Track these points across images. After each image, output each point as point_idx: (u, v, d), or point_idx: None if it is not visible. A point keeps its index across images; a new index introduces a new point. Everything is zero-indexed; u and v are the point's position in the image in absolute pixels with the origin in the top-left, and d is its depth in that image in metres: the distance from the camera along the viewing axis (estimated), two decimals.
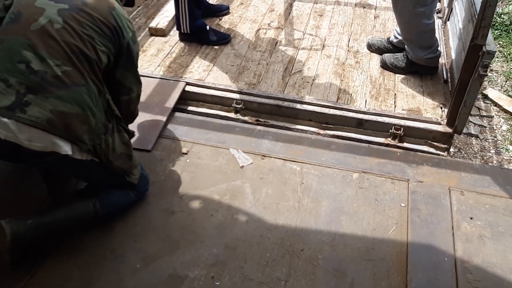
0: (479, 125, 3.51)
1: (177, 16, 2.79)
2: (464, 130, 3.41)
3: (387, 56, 2.68)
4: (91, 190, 1.74)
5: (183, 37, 2.87)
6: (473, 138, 3.42)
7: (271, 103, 2.39)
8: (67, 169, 1.65)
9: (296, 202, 1.88)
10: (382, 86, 2.56)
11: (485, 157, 3.26)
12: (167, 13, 3.03)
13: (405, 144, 2.28)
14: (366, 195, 1.91)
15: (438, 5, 3.34)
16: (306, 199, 1.89)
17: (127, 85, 1.73)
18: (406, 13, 2.40)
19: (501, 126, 3.53)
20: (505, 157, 3.28)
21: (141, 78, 1.82)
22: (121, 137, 1.66)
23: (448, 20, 3.05)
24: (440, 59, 2.68)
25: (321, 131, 2.36)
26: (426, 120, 2.30)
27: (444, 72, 2.67)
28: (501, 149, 3.34)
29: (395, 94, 2.50)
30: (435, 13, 3.22)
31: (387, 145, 2.27)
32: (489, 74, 4.00)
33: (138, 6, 3.25)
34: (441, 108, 2.41)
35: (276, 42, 2.91)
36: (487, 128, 3.53)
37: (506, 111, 3.60)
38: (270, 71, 2.65)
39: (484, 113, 3.62)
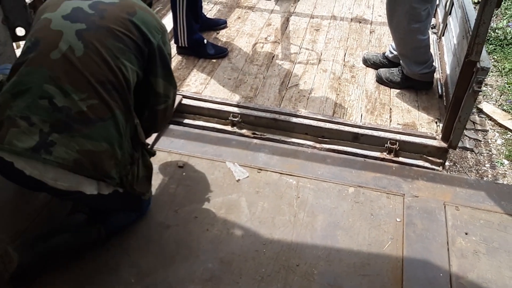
0: (474, 139, 3.53)
1: (175, 29, 2.81)
2: (459, 144, 3.43)
3: (382, 71, 2.71)
4: (97, 216, 1.71)
5: (180, 51, 2.89)
6: (468, 152, 3.44)
7: (268, 117, 2.40)
8: (89, 202, 1.62)
9: (292, 216, 1.88)
10: (377, 100, 2.58)
11: (480, 171, 3.28)
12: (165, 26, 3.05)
13: (401, 159, 2.29)
14: (361, 210, 1.91)
15: (433, 21, 3.39)
16: (302, 214, 1.89)
17: (164, 93, 1.64)
18: (401, 29, 2.44)
19: (495, 140, 3.55)
20: (499, 171, 3.30)
21: None
22: (144, 161, 1.62)
23: (443, 35, 3.09)
24: (435, 74, 2.71)
25: (317, 145, 2.37)
26: (421, 135, 2.31)
27: (439, 87, 2.69)
28: (496, 163, 3.35)
29: (391, 109, 2.52)
30: (430, 29, 3.27)
31: (383, 159, 2.28)
32: (484, 88, 4.04)
33: None
34: (436, 123, 2.43)
35: (273, 56, 2.93)
36: (482, 142, 3.55)
37: (500, 125, 3.63)
38: (267, 84, 2.67)
39: (479, 127, 3.64)
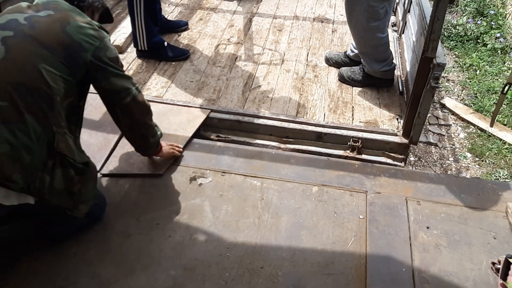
0: (438, 134, 3.60)
1: (133, 33, 2.75)
2: (424, 139, 3.51)
3: (344, 70, 2.73)
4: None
5: (140, 54, 2.83)
6: (433, 146, 3.51)
7: (231, 119, 2.38)
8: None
9: (256, 218, 1.86)
10: (340, 99, 2.59)
11: (444, 165, 3.35)
12: (124, 29, 2.99)
13: (364, 156, 2.31)
14: (325, 208, 1.91)
15: (394, 19, 3.44)
16: (266, 215, 1.88)
17: (122, 87, 1.68)
18: (360, 28, 2.46)
19: (458, 134, 3.64)
20: (463, 165, 3.38)
21: (94, 95, 1.75)
22: (64, 173, 1.55)
23: (403, 33, 3.14)
24: (395, 71, 2.75)
25: (282, 145, 2.36)
26: (383, 132, 2.34)
27: (400, 84, 2.73)
28: (459, 157, 3.44)
29: (353, 107, 2.54)
30: (390, 27, 3.32)
31: (346, 157, 2.29)
32: (446, 84, 4.14)
33: None
34: (397, 119, 2.46)
35: (236, 57, 2.91)
36: (446, 137, 3.63)
37: (463, 120, 3.72)
38: (230, 86, 2.65)
39: (442, 122, 3.72)
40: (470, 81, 4.11)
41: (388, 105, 2.56)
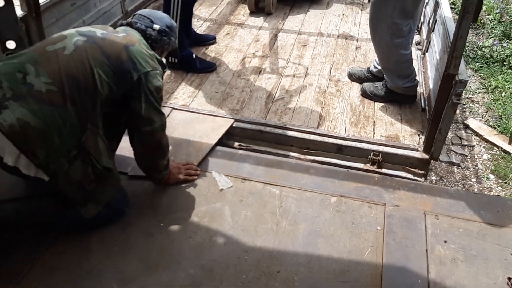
0: (461, 154, 3.58)
1: None
2: (446, 159, 3.50)
3: (367, 85, 2.77)
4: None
5: (170, 65, 2.95)
6: (455, 166, 3.49)
7: (254, 128, 2.45)
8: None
9: (274, 224, 1.91)
10: (361, 113, 2.63)
11: (466, 186, 3.32)
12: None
13: (384, 170, 2.33)
14: (343, 219, 1.94)
15: (418, 37, 3.48)
16: (284, 222, 1.92)
17: (146, 116, 1.79)
18: (384, 44, 2.51)
19: (482, 155, 3.61)
20: (485, 186, 3.34)
21: None
22: (84, 167, 1.68)
23: (427, 51, 3.18)
24: (419, 88, 2.78)
25: (302, 156, 2.40)
26: (404, 147, 2.36)
27: (422, 101, 2.76)
28: (482, 178, 3.40)
29: (374, 121, 2.57)
30: (415, 45, 3.36)
31: (366, 170, 2.32)
32: (471, 105, 4.12)
33: None
34: (418, 135, 2.48)
35: (260, 71, 2.99)
36: (469, 157, 3.60)
37: (486, 141, 3.69)
38: (254, 97, 2.72)
39: (466, 143, 3.70)
40: (495, 103, 4.08)
41: (410, 121, 2.58)
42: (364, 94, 2.76)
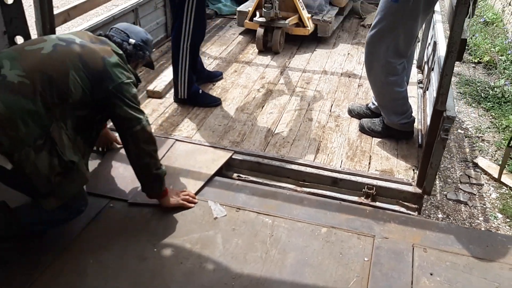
0: (469, 193, 3.57)
1: (175, 82, 3.04)
2: (454, 197, 3.50)
3: (365, 121, 2.85)
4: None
5: (178, 100, 3.10)
6: (462, 205, 3.48)
7: (252, 160, 2.54)
8: None
9: (264, 253, 1.96)
10: (358, 148, 2.70)
11: (473, 224, 3.30)
12: (165, 78, 3.31)
13: (378, 203, 2.37)
14: (331, 249, 1.98)
15: (420, 76, 3.57)
16: (273, 251, 1.97)
17: (132, 116, 1.93)
18: (379, 82, 2.61)
19: (490, 194, 3.59)
20: (493, 225, 3.32)
21: None
22: (50, 159, 1.76)
23: (427, 89, 3.25)
24: (417, 125, 2.84)
25: (298, 188, 2.47)
26: (397, 181, 2.40)
27: (420, 137, 2.81)
28: (490, 217, 3.38)
29: (370, 156, 2.63)
30: (417, 83, 3.45)
31: (361, 203, 2.36)
32: (481, 143, 4.14)
33: (140, 71, 3.54)
34: (413, 170, 2.52)
35: (263, 106, 3.12)
36: (477, 196, 3.59)
37: (495, 180, 3.68)
38: (254, 131, 2.83)
39: (474, 181, 3.69)
40: (506, 142, 4.08)
41: (405, 156, 2.64)
42: (362, 129, 2.84)
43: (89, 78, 1.85)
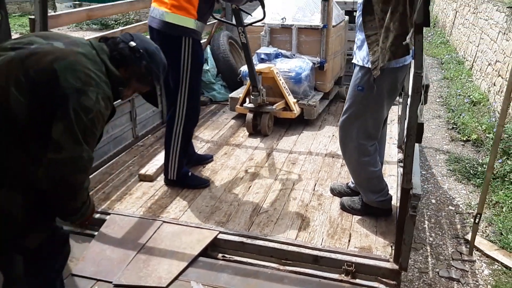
0: (461, 269, 3.58)
1: (166, 165, 3.23)
2: (446, 274, 3.52)
3: (345, 199, 2.99)
4: None
5: (168, 182, 3.28)
6: (455, 282, 3.48)
7: (236, 240, 2.64)
8: None
9: None
10: (339, 226, 2.81)
11: None
12: (157, 161, 3.51)
13: (357, 280, 2.42)
14: None
15: (400, 156, 3.75)
16: None
17: (55, 138, 1.57)
18: (353, 162, 2.78)
19: (483, 271, 3.60)
20: None
21: (122, 216, 2.07)
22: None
23: None
24: (397, 202, 2.96)
25: (281, 267, 2.54)
26: (375, 257, 2.48)
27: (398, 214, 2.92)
28: None
29: (350, 233, 2.73)
30: (398, 163, 3.62)
31: (341, 280, 2.42)
32: (471, 220, 4.20)
33: (134, 156, 3.76)
34: (391, 246, 2.61)
35: (250, 186, 3.28)
36: (469, 273, 3.60)
37: (487, 256, 3.70)
38: (240, 211, 2.96)
39: (466, 258, 3.71)
40: (496, 218, 4.15)
41: (384, 233, 2.73)
42: (343, 207, 2.97)
43: (29, 88, 1.57)
